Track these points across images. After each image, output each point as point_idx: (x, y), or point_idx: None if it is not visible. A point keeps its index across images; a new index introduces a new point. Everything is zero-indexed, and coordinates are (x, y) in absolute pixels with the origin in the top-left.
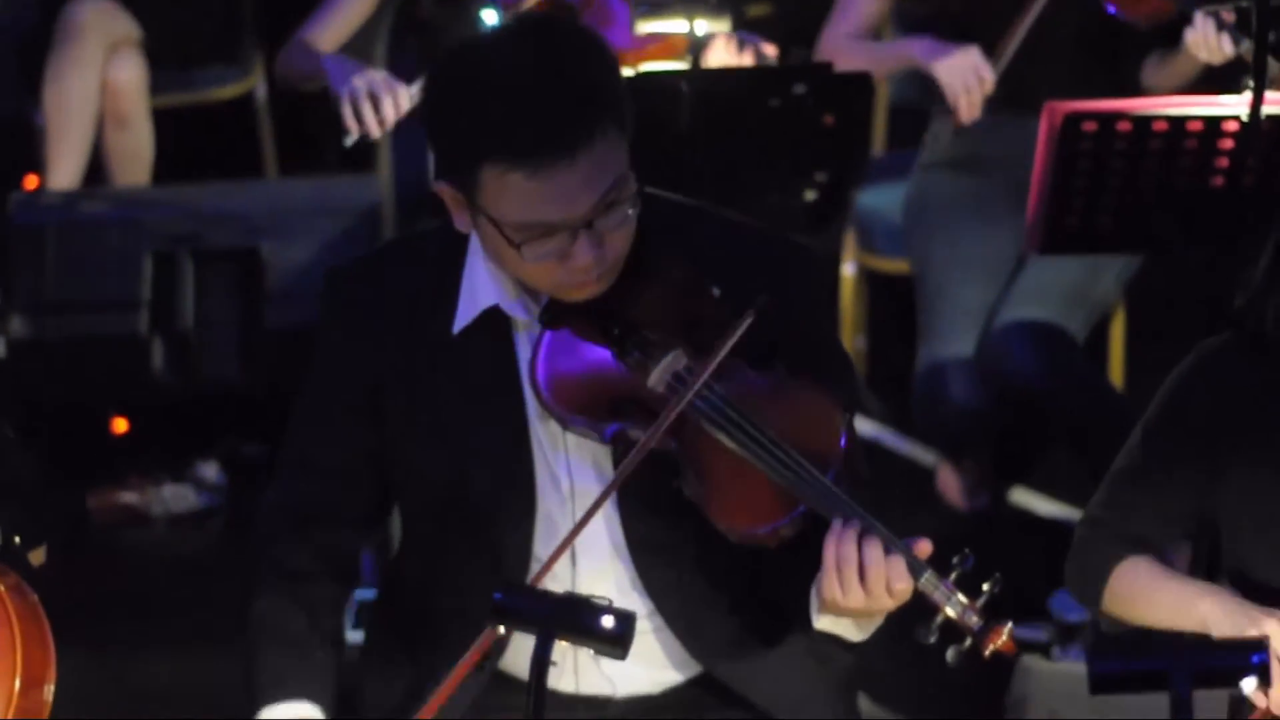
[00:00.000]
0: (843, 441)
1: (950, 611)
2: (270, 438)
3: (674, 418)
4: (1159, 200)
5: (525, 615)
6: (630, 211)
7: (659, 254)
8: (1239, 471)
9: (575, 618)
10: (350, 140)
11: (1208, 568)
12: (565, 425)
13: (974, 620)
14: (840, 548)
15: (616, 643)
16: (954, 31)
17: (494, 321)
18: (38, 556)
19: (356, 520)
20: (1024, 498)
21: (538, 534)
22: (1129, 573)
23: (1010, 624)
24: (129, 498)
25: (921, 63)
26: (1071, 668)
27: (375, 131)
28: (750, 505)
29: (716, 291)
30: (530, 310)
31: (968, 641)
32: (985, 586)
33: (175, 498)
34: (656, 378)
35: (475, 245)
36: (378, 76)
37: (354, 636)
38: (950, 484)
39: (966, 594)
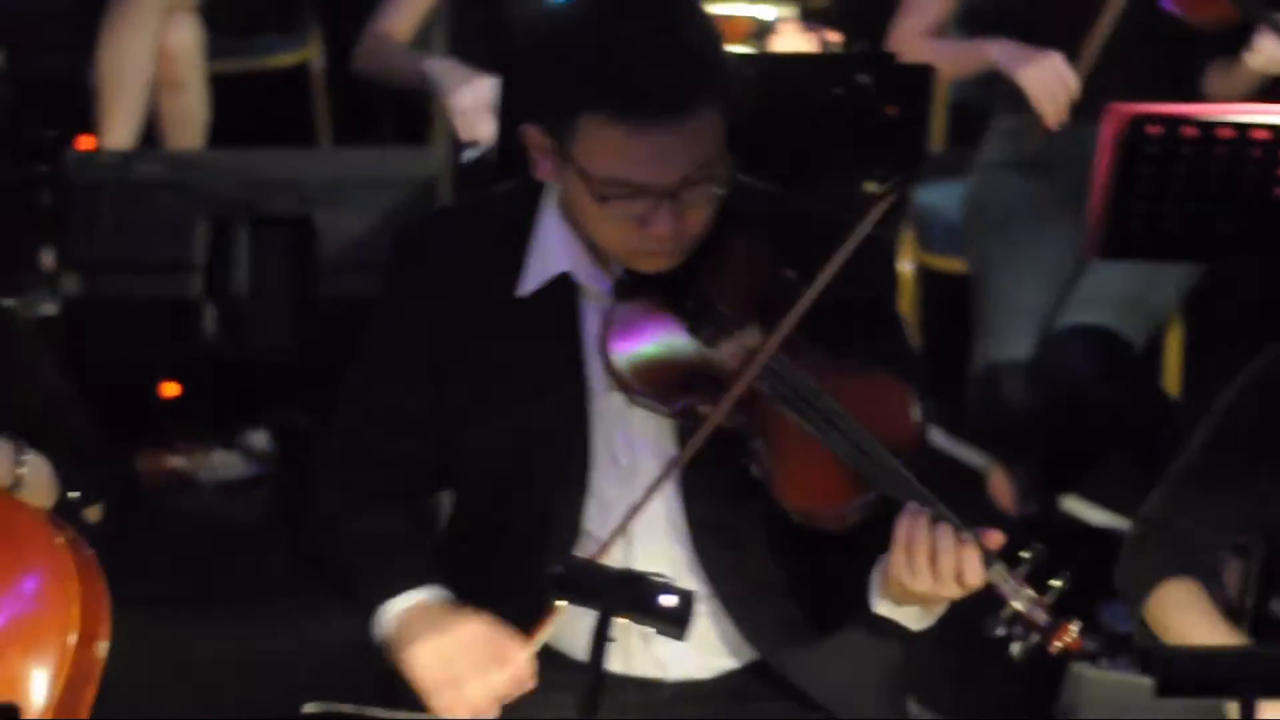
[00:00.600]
0: (915, 424)
1: (1018, 605)
2: (320, 408)
3: (746, 392)
4: (1222, 208)
5: (586, 590)
6: (718, 192)
7: (737, 233)
8: None
9: (636, 594)
10: (471, 155)
11: (1262, 585)
12: (632, 398)
13: (1042, 616)
14: (913, 529)
15: (677, 622)
16: (1019, 32)
17: (562, 288)
18: (94, 514)
19: (416, 469)
20: (1075, 506)
21: (589, 509)
22: (1170, 598)
23: (1079, 622)
24: (177, 462)
25: (1004, 67)
26: (1122, 678)
27: (490, 140)
28: (819, 485)
29: (792, 274)
30: (602, 280)
31: (1034, 637)
32: (1055, 583)
33: (224, 464)
34: (730, 353)
35: (549, 207)
36: (484, 85)
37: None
38: (1002, 488)
39: (1035, 589)
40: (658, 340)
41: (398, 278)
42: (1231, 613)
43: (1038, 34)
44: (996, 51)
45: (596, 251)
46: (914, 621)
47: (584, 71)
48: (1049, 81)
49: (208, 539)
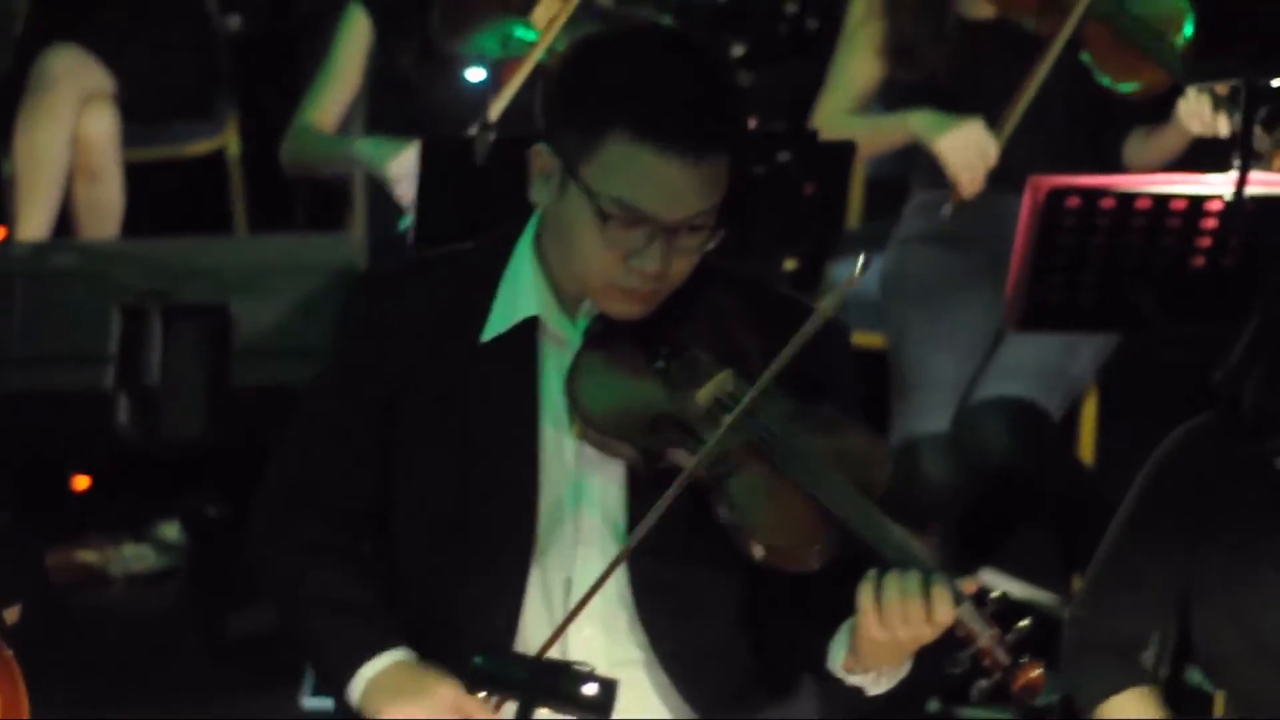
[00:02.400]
0: (888, 469)
1: (984, 644)
2: (234, 498)
3: (722, 441)
4: (1140, 278)
5: (505, 683)
6: (709, 243)
7: (710, 291)
8: (1216, 555)
9: (556, 685)
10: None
11: (1177, 655)
12: (598, 440)
13: (1005, 656)
14: (882, 572)
15: (598, 711)
16: (942, 102)
17: (525, 334)
18: (11, 615)
19: (356, 520)
20: (991, 578)
21: (533, 565)
22: (1121, 710)
23: (1043, 662)
24: (88, 556)
25: (923, 137)
26: None
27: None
28: (788, 525)
29: (759, 344)
30: (570, 324)
31: (997, 675)
32: (1021, 624)
33: (135, 557)
34: (705, 397)
35: (522, 252)
36: (412, 153)
37: (316, 703)
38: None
39: (1001, 629)
40: (629, 383)
41: (355, 325)
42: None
43: (959, 103)
44: (916, 122)
45: (566, 298)
46: (873, 685)
47: (625, 88)
48: (966, 151)
49: (120, 633)
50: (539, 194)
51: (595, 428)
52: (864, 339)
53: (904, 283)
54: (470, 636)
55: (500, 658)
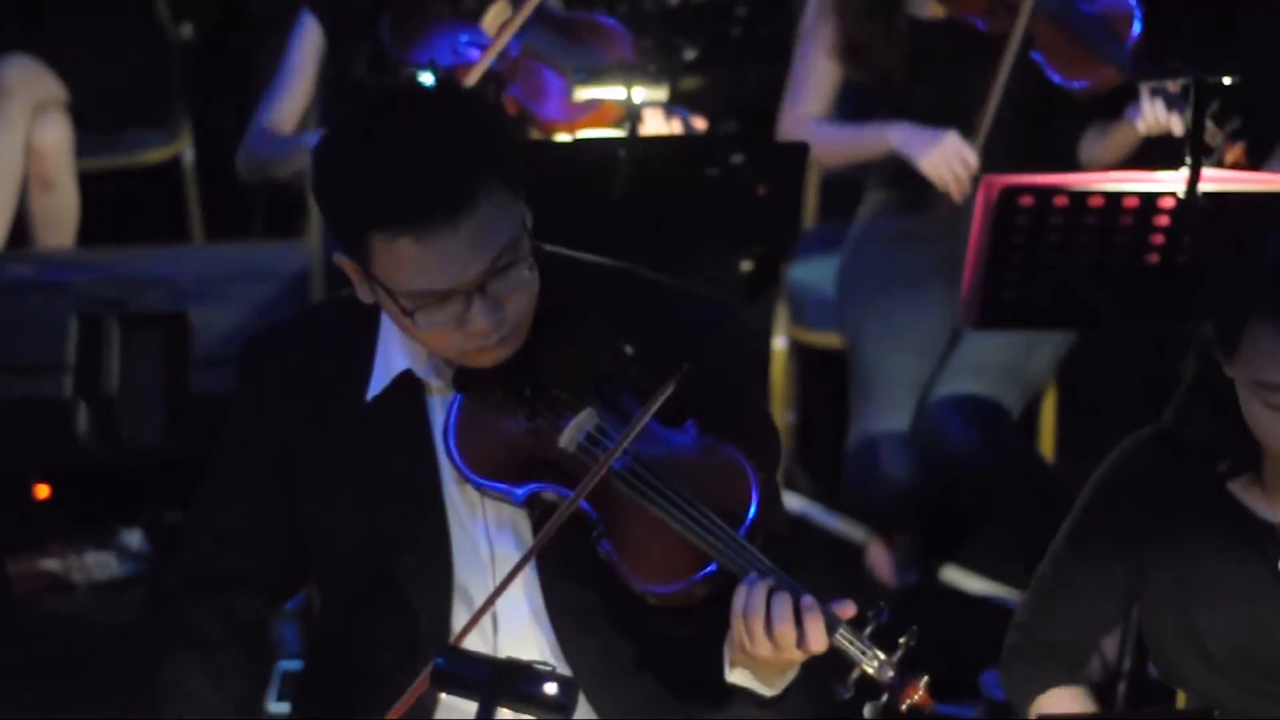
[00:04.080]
0: (754, 498)
1: (866, 667)
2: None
3: (593, 482)
4: (1094, 276)
5: (468, 681)
6: (527, 273)
7: (570, 313)
8: (1161, 571)
9: (517, 685)
10: None
11: (1139, 648)
12: (480, 490)
13: (890, 675)
14: (748, 598)
15: (559, 710)
16: (893, 103)
17: (409, 387)
18: None
19: (266, 588)
20: (954, 575)
21: (456, 603)
22: (1051, 702)
23: (926, 678)
24: (50, 565)
25: (901, 151)
26: None
27: None
28: (662, 564)
29: (629, 350)
30: (443, 375)
31: (884, 697)
32: (901, 640)
33: (98, 565)
34: (568, 438)
35: (388, 325)
36: None
37: (279, 708)
38: (880, 561)
39: (882, 649)
40: (498, 431)
41: (244, 392)
42: (1109, 676)
43: (911, 104)
44: (895, 136)
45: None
46: (766, 689)
47: (359, 193)
48: (950, 163)
49: (83, 641)
50: (362, 293)
51: (473, 481)
52: (821, 339)
53: (860, 283)
54: (399, 684)
55: (461, 658)
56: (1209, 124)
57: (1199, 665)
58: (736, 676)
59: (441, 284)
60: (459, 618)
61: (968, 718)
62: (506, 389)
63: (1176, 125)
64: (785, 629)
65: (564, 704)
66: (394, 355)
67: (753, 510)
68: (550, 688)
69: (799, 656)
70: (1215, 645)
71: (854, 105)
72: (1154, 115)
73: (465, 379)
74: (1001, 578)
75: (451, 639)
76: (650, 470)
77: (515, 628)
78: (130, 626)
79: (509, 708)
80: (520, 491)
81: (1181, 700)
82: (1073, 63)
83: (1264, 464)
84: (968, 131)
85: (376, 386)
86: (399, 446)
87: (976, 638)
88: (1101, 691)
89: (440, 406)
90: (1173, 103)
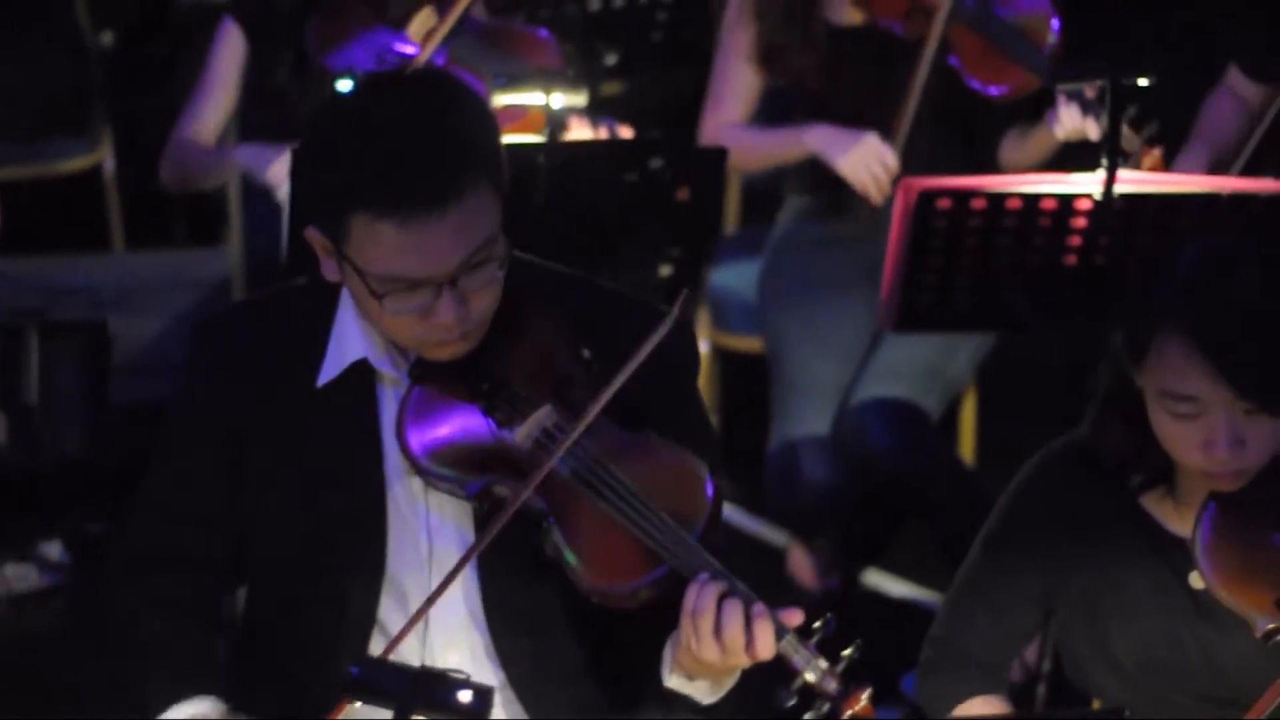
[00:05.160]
0: (709, 502)
1: (810, 676)
2: (115, 515)
3: (542, 476)
4: (1012, 278)
5: (380, 690)
6: (498, 272)
7: (530, 313)
8: (1072, 586)
9: (432, 693)
10: None
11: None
12: (429, 481)
13: (833, 685)
14: (699, 600)
15: (474, 717)
16: (812, 108)
17: (360, 376)
18: None
19: (214, 567)
20: (876, 579)
21: (385, 595)
22: (969, 710)
23: (869, 689)
24: None
25: (820, 153)
26: None
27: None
28: (613, 564)
29: (587, 353)
30: (398, 365)
31: (826, 707)
32: (846, 652)
33: (17, 577)
34: (524, 434)
35: (346, 297)
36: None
37: None
38: (802, 565)
39: (827, 659)
40: (453, 423)
41: (194, 373)
42: (1028, 678)
43: (827, 106)
44: (813, 138)
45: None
46: (704, 695)
47: (347, 171)
48: (869, 165)
49: (4, 652)
50: (327, 271)
51: (423, 469)
52: (742, 343)
53: (780, 286)
54: (323, 673)
55: (376, 667)
56: (1126, 129)
57: (1110, 676)
58: (675, 682)
59: (416, 272)
60: (388, 611)
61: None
62: (464, 383)
63: (1093, 130)
64: (734, 632)
65: (479, 712)
66: (349, 343)
67: (707, 514)
68: (465, 696)
69: (744, 662)
70: (1126, 658)
71: (775, 111)
72: (1071, 120)
73: (422, 370)
74: (923, 581)
75: (376, 629)
76: (606, 470)
77: (449, 628)
78: (51, 637)
79: (424, 716)
80: (472, 485)
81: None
82: (990, 69)
83: (1176, 478)
84: (886, 135)
85: (328, 373)
86: (345, 434)
87: (898, 641)
88: (1020, 693)
89: (392, 397)
90: (1089, 108)
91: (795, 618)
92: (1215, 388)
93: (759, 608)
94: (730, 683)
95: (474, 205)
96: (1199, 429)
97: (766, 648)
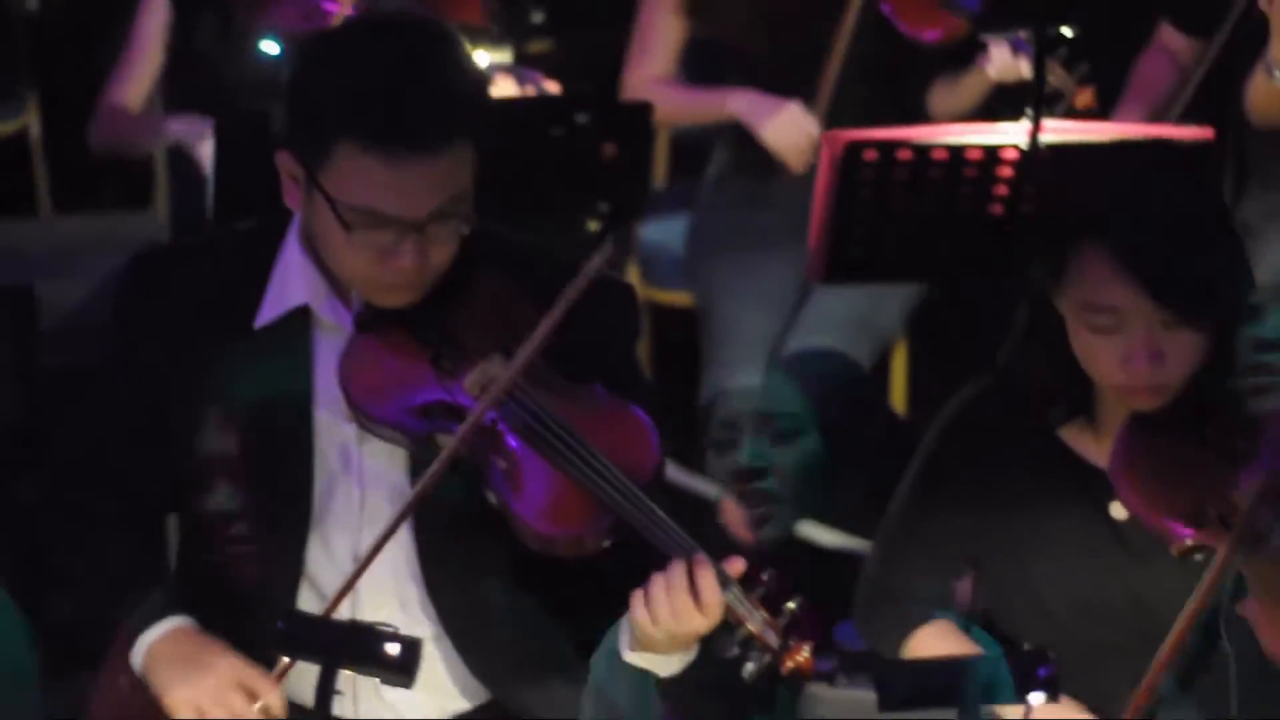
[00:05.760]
0: (656, 455)
1: (753, 627)
2: (45, 478)
3: (485, 421)
4: (940, 229)
5: (308, 645)
6: (463, 228)
7: (479, 268)
8: (999, 520)
9: (360, 646)
10: None
11: None
12: (369, 428)
13: (775, 638)
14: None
15: (402, 671)
16: (739, 60)
17: (299, 321)
18: None
19: (145, 490)
20: (810, 529)
21: (313, 545)
22: (927, 640)
23: (811, 643)
24: None
25: (744, 120)
26: (857, 695)
27: None
28: (559, 511)
29: (534, 310)
30: (342, 312)
31: (767, 658)
32: (789, 606)
33: None
34: (471, 383)
35: (291, 241)
36: None
37: None
38: (735, 517)
39: (770, 611)
40: (398, 371)
41: (130, 307)
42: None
43: (759, 63)
44: (737, 103)
45: (337, 285)
46: (662, 667)
47: (342, 99)
48: (790, 134)
49: None
50: (290, 198)
51: (367, 415)
52: (672, 297)
53: (710, 240)
54: (256, 614)
55: (303, 620)
56: (1059, 69)
57: (1036, 618)
58: (634, 656)
59: (390, 209)
60: (315, 560)
61: (823, 669)
62: (410, 331)
63: (1025, 68)
64: (683, 597)
65: (407, 664)
66: (292, 288)
67: (654, 466)
68: (393, 648)
69: (696, 622)
70: (1055, 602)
71: (701, 63)
72: (1002, 59)
73: (369, 318)
74: (856, 531)
75: (306, 577)
76: (550, 416)
77: (382, 579)
78: None
79: (352, 669)
80: (415, 433)
81: None
82: (919, 14)
83: (1096, 407)
84: (813, 90)
85: (266, 316)
86: (279, 378)
87: (832, 591)
88: None
89: (329, 345)
90: (1020, 46)
91: (737, 565)
92: (1134, 297)
93: (701, 556)
94: (689, 656)
95: (457, 157)
96: (1118, 343)
97: (712, 595)
